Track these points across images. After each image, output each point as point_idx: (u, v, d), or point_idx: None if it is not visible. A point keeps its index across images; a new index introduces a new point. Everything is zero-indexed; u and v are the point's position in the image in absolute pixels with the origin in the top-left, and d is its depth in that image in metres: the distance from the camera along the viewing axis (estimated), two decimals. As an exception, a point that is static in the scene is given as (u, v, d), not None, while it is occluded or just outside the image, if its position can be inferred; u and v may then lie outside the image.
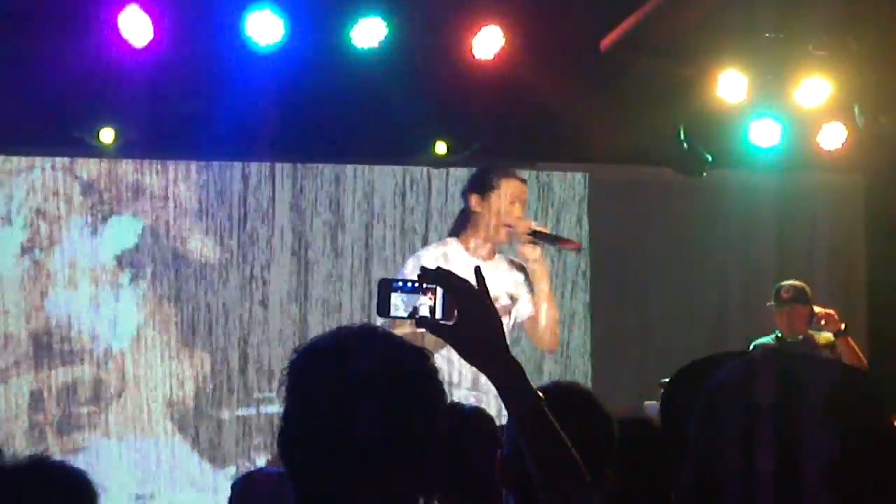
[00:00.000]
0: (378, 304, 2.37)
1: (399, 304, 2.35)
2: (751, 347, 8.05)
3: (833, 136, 8.76)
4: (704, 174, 8.58)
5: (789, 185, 9.36)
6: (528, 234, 6.22)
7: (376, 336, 2.10)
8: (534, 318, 6.35)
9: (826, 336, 7.95)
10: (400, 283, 2.37)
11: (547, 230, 6.48)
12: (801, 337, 7.97)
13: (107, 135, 7.84)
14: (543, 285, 6.31)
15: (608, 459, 2.77)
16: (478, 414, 3.25)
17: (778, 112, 8.60)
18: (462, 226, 6.48)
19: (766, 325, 8.16)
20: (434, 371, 2.10)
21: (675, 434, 2.11)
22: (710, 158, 8.52)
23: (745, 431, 1.63)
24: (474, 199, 6.36)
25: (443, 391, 2.12)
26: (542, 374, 8.90)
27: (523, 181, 6.46)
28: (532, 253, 6.25)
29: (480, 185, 6.39)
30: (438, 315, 2.32)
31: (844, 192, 9.45)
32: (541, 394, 2.31)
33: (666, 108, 8.28)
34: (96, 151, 8.21)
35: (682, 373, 2.27)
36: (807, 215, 9.45)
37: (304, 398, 2.06)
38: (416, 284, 2.34)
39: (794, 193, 9.40)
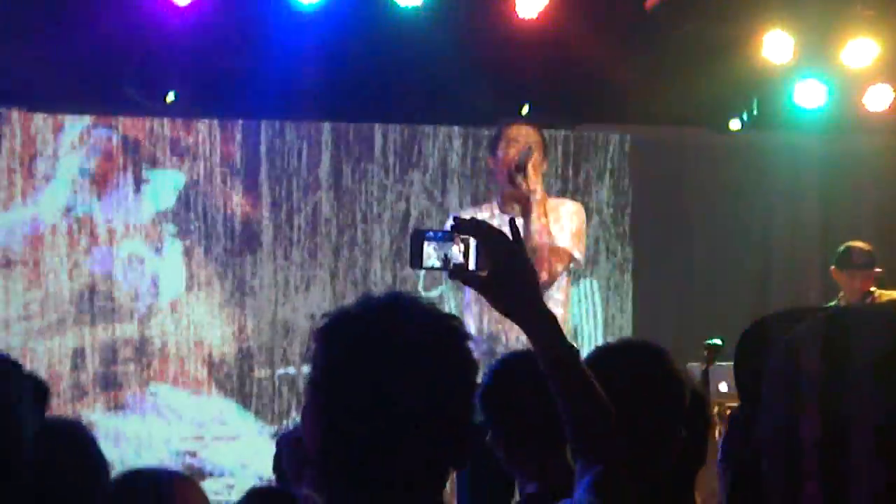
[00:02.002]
0: (410, 255, 2.32)
1: (432, 254, 2.30)
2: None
3: (879, 98, 8.67)
4: (731, 128, 8.55)
5: (834, 147, 9.27)
6: (514, 170, 6.10)
7: (405, 302, 2.07)
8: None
9: (889, 293, 7.88)
10: (432, 234, 2.31)
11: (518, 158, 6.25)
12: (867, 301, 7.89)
13: (169, 96, 7.84)
14: (535, 215, 6.07)
15: (679, 418, 2.75)
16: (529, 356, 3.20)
17: (824, 73, 8.52)
18: (493, 189, 6.50)
19: (814, 288, 8.12)
20: (465, 335, 2.07)
21: (747, 392, 2.09)
22: (745, 116, 8.50)
23: (791, 399, 1.61)
24: (490, 161, 6.36)
25: (472, 355, 2.09)
26: (580, 337, 8.90)
27: (531, 125, 6.34)
28: (526, 186, 6.10)
29: (491, 144, 6.37)
30: (472, 266, 2.28)
31: (890, 154, 9.35)
32: (594, 347, 2.29)
33: (711, 69, 8.20)
34: (139, 109, 8.22)
35: (755, 326, 2.24)
36: (852, 178, 9.37)
37: (333, 365, 2.03)
38: (450, 235, 2.29)
39: (839, 155, 9.32)
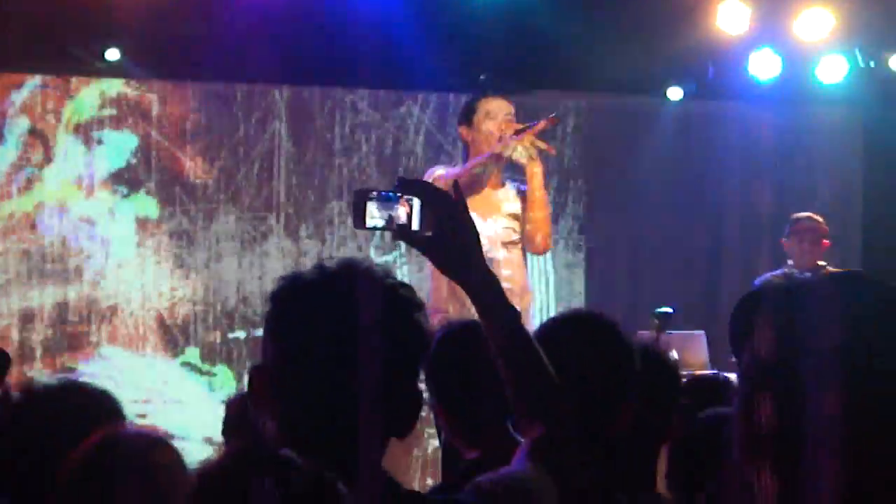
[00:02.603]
0: (353, 215, 2.26)
1: (376, 214, 2.25)
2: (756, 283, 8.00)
3: (832, 70, 8.71)
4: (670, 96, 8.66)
5: (788, 118, 9.32)
6: (512, 137, 6.17)
7: (360, 269, 2.07)
8: (528, 230, 6.28)
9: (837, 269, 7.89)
10: (376, 194, 2.26)
11: (522, 126, 6.35)
12: (809, 274, 7.88)
13: (111, 54, 7.81)
14: (535, 187, 6.22)
15: (629, 389, 2.76)
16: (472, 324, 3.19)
17: (778, 44, 8.55)
18: (465, 160, 6.47)
19: (765, 257, 8.14)
20: (416, 304, 2.08)
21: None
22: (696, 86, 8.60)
23: (749, 385, 1.61)
24: (463, 131, 6.35)
25: (423, 325, 2.09)
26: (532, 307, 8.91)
27: (506, 98, 6.39)
28: (522, 155, 6.19)
29: (464, 116, 6.37)
30: (416, 226, 2.24)
31: (843, 125, 9.41)
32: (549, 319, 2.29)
33: (666, 37, 8.21)
34: (91, 69, 8.16)
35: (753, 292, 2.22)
36: (805, 148, 9.42)
37: (283, 330, 2.04)
38: (393, 195, 2.25)
39: (792, 126, 9.36)
